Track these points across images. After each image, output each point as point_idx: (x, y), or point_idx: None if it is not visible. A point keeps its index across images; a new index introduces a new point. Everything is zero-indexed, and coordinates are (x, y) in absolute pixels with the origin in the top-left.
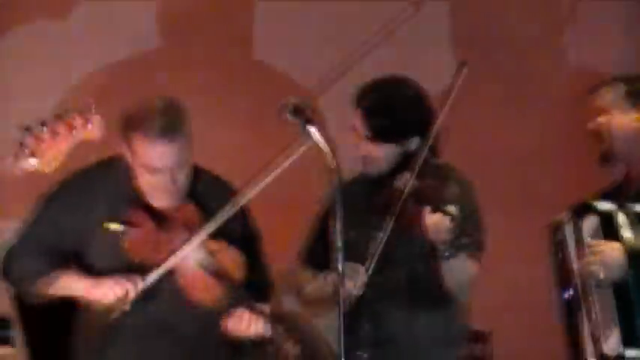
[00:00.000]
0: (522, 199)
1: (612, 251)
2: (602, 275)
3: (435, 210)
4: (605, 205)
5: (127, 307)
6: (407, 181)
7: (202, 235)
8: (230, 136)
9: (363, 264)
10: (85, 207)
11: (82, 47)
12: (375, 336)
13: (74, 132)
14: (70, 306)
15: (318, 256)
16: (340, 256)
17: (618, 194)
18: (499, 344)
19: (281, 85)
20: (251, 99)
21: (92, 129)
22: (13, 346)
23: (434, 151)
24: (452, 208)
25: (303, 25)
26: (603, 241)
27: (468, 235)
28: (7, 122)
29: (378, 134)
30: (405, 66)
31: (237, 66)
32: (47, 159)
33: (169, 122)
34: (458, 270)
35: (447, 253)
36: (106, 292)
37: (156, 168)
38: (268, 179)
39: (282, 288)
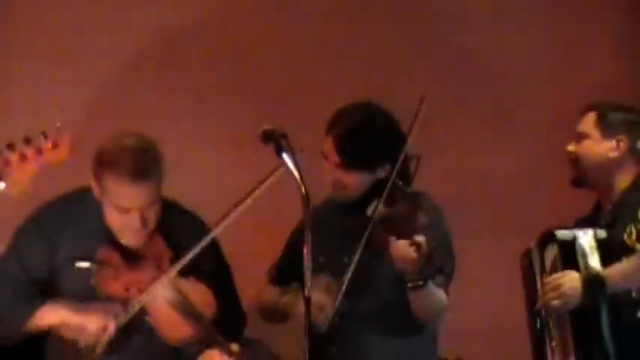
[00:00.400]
0: (496, 223)
1: (569, 282)
2: (559, 307)
3: (400, 239)
4: (565, 234)
5: (103, 347)
6: (376, 208)
7: (173, 272)
8: (206, 158)
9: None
10: (56, 242)
11: (61, 70)
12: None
13: (42, 155)
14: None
15: (286, 277)
16: (308, 281)
17: (592, 221)
18: None
19: (262, 107)
20: (231, 121)
21: (60, 152)
22: None
23: (405, 178)
24: (419, 238)
25: (286, 47)
26: (561, 272)
27: (437, 264)
28: None
29: (349, 161)
30: (383, 88)
31: (217, 88)
32: (14, 182)
33: (142, 164)
34: (426, 300)
35: (411, 285)
36: (88, 322)
37: (126, 208)
38: (236, 213)
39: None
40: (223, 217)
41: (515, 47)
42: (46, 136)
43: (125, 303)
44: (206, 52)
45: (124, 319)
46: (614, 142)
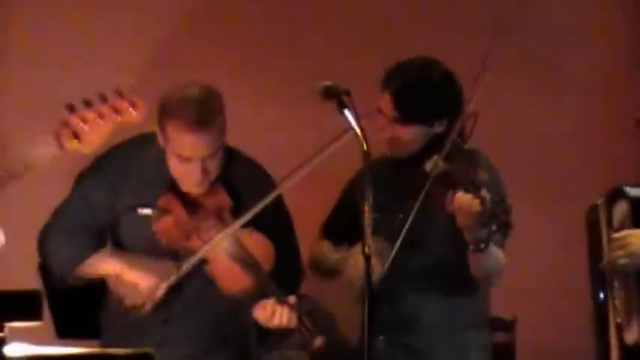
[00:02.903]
0: (550, 185)
1: (638, 240)
2: (625, 266)
3: (466, 192)
4: (635, 191)
5: (152, 305)
6: (435, 164)
7: (237, 225)
8: (264, 112)
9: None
10: (117, 186)
11: (113, 23)
12: (393, 318)
13: (120, 115)
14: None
15: (339, 232)
16: (368, 240)
17: None
18: (523, 332)
19: (316, 62)
20: (286, 75)
21: (135, 112)
22: (40, 320)
23: (462, 135)
24: (483, 192)
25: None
26: (630, 230)
27: (497, 222)
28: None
29: (407, 115)
30: (432, 49)
31: (271, 42)
32: (89, 140)
33: (204, 113)
34: (487, 259)
35: (473, 247)
36: (140, 280)
37: (188, 157)
38: (304, 170)
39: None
40: (290, 174)
41: (572, 5)
42: (121, 94)
43: (178, 265)
44: (265, 4)
45: (175, 279)
46: None
